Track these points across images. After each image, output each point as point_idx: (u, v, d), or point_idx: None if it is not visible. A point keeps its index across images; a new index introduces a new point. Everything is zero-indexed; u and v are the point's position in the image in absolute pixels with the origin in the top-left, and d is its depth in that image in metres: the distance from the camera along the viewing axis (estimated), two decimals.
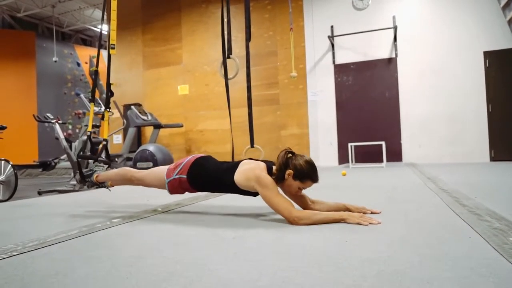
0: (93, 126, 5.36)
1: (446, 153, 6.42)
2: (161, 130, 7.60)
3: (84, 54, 13.03)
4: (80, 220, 1.91)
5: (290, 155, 1.74)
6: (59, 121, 5.46)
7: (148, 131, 8.30)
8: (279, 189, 1.74)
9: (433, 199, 2.24)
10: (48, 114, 5.47)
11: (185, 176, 1.89)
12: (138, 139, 7.96)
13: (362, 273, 0.96)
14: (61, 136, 5.24)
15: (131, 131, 6.88)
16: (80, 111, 11.83)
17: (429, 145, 6.53)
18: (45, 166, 6.39)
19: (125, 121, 7.60)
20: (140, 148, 6.21)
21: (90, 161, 2.88)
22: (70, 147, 5.48)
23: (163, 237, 1.51)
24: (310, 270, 1.00)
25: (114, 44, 2.95)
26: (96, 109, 5.65)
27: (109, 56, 3.00)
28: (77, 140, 5.91)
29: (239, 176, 1.77)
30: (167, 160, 5.97)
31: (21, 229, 1.78)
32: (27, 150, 10.49)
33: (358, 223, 1.54)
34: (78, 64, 12.75)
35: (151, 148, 6.12)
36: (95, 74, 3.11)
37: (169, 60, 8.53)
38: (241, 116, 5.52)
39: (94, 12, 11.90)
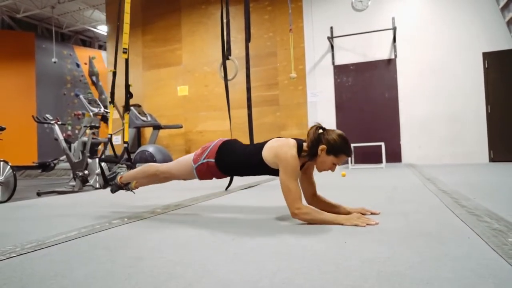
0: (92, 127, 5.37)
1: (445, 154, 6.43)
2: (161, 131, 7.60)
3: (84, 55, 13.04)
4: (79, 221, 1.91)
5: (321, 130, 1.70)
6: (58, 122, 5.46)
7: (148, 132, 8.29)
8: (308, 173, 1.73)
9: (432, 200, 2.24)
10: (48, 115, 5.47)
11: (213, 160, 1.85)
12: (138, 140, 7.95)
13: (362, 273, 0.96)
14: (61, 137, 5.24)
15: (131, 132, 6.88)
16: (80, 112, 11.84)
17: (429, 146, 6.53)
18: (44, 167, 6.39)
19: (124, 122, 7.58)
20: (140, 149, 6.21)
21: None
22: (70, 148, 5.48)
23: (162, 238, 1.50)
24: (310, 271, 1.00)
25: (126, 48, 2.92)
26: (95, 110, 5.65)
27: (126, 60, 2.97)
28: (77, 141, 5.91)
29: (267, 152, 1.73)
30: (167, 161, 5.96)
31: (20, 230, 1.78)
32: (26, 151, 10.48)
33: (355, 225, 1.54)
34: (78, 65, 12.75)
35: (150, 149, 6.11)
36: (113, 75, 3.04)
37: (169, 61, 8.53)
38: (241, 117, 5.52)
39: (93, 13, 11.90)
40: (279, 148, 1.69)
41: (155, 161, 5.87)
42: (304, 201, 1.70)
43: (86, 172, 4.88)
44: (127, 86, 2.97)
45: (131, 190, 2.28)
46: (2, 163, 3.84)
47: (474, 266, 0.99)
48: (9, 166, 3.84)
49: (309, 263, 1.07)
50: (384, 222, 1.60)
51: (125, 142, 2.92)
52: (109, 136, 2.96)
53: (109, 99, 2.97)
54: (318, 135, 1.68)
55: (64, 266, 1.13)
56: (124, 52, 2.89)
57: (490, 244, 1.18)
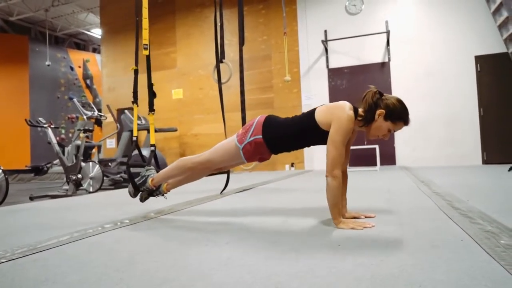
0: (86, 131, 5.33)
1: (439, 156, 6.48)
2: (156, 134, 7.57)
3: (78, 58, 12.98)
4: (71, 226, 1.89)
5: (379, 95, 1.64)
6: (51, 126, 5.42)
7: (142, 135, 8.26)
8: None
9: (425, 202, 2.25)
10: (41, 119, 5.43)
11: (260, 136, 1.74)
12: (131, 144, 7.91)
13: (356, 276, 0.96)
14: (54, 140, 5.19)
15: (125, 135, 6.84)
16: (73, 115, 11.77)
17: (423, 148, 6.57)
18: (38, 171, 6.33)
19: (118, 125, 7.55)
20: (134, 153, 6.17)
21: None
22: (63, 152, 5.44)
23: (156, 242, 1.49)
24: (304, 274, 1.00)
25: (147, 44, 2.80)
26: (89, 113, 5.62)
27: (148, 57, 2.85)
28: (70, 145, 5.86)
29: (322, 113, 1.65)
30: (161, 165, 5.94)
31: (11, 234, 1.75)
32: (19, 154, 10.38)
33: (352, 228, 1.54)
34: (72, 68, 12.68)
35: (145, 152, 6.08)
36: (135, 73, 2.88)
37: (164, 64, 8.52)
38: (236, 120, 5.52)
39: (87, 16, 11.87)
40: (336, 107, 1.62)
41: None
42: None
43: (79, 176, 4.84)
44: (150, 85, 2.84)
45: (162, 195, 2.15)
46: None
47: (467, 268, 0.99)
48: (1, 170, 3.80)
49: (302, 266, 1.07)
50: (378, 225, 1.60)
51: (151, 145, 2.78)
52: (134, 139, 2.77)
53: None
54: (377, 99, 1.62)
55: (56, 271, 1.11)
56: (145, 49, 2.78)
57: (483, 246, 1.19)
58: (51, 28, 12.28)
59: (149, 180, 2.10)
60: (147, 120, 7.31)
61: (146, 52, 2.76)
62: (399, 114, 1.61)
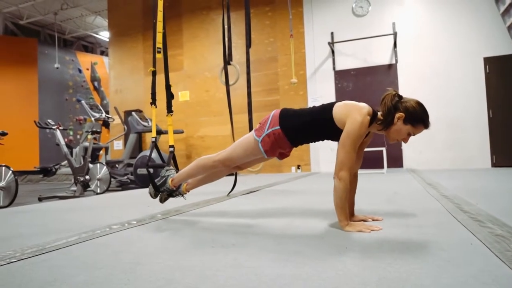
0: (94, 132, 5.38)
1: (447, 159, 6.41)
2: (162, 136, 7.61)
3: (86, 60, 13.11)
4: (79, 227, 1.90)
5: (398, 98, 1.60)
6: (60, 127, 5.47)
7: (149, 137, 8.31)
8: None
9: (434, 205, 2.23)
10: (49, 120, 5.48)
11: (278, 127, 1.73)
12: (139, 145, 7.96)
13: (363, 279, 0.96)
14: (62, 142, 5.24)
15: (132, 137, 6.89)
16: (81, 117, 11.90)
17: (430, 151, 6.51)
18: (46, 172, 6.40)
19: (125, 127, 7.61)
20: (141, 154, 6.21)
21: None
22: (71, 153, 5.49)
23: (161, 243, 1.50)
24: (310, 277, 1.00)
25: (160, 48, 2.82)
26: (97, 115, 5.67)
27: (165, 58, 2.87)
28: (78, 146, 5.92)
29: (340, 109, 1.62)
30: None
31: (20, 235, 1.77)
32: (28, 156, 10.50)
33: (359, 231, 1.53)
34: (80, 71, 12.81)
35: (154, 155, 6.11)
36: (153, 75, 2.90)
37: (170, 66, 8.46)
38: (242, 122, 5.53)
39: (95, 19, 11.99)
40: (354, 108, 1.59)
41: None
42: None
43: (87, 177, 4.88)
44: (168, 86, 2.86)
45: (182, 195, 2.15)
46: (3, 168, 3.84)
47: (476, 272, 0.98)
48: (10, 171, 3.84)
49: (309, 269, 1.07)
50: (385, 228, 1.59)
51: (170, 146, 2.80)
52: (153, 139, 2.79)
53: (150, 100, 2.81)
54: (396, 102, 1.59)
55: (63, 271, 1.12)
56: (158, 52, 2.79)
57: (493, 250, 1.17)
58: (60, 31, 12.43)
59: (169, 181, 2.09)
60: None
61: (159, 56, 2.77)
62: (419, 117, 1.57)
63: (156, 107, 2.79)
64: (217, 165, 1.92)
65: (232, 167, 2.01)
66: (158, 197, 2.21)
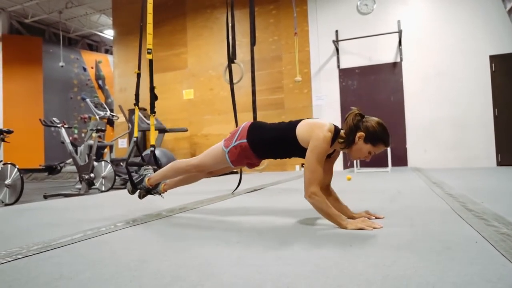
0: (99, 131, 5.41)
1: (452, 158, 6.38)
2: (166, 134, 7.63)
3: (90, 59, 13.16)
4: (84, 224, 1.92)
5: (359, 117, 1.64)
6: (65, 126, 5.50)
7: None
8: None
9: (439, 204, 2.22)
10: (54, 119, 5.52)
11: (245, 140, 1.80)
12: (144, 143, 8.00)
13: (367, 277, 0.95)
14: (67, 140, 5.27)
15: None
16: (86, 116, 11.94)
17: (435, 149, 6.48)
18: (51, 170, 6.43)
19: (130, 125, 7.64)
20: (145, 153, 6.23)
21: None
22: (76, 151, 5.51)
23: (167, 241, 1.50)
24: (314, 275, 1.00)
25: (150, 49, 2.91)
26: (101, 113, 5.69)
27: (150, 61, 2.96)
28: (83, 144, 5.94)
29: (303, 129, 1.68)
30: None
31: (26, 232, 1.79)
32: (33, 154, 10.57)
33: (361, 228, 1.53)
34: (84, 69, 12.87)
35: (156, 152, 6.13)
36: (137, 77, 3.01)
37: (174, 64, 8.58)
38: (246, 120, 5.53)
39: (100, 17, 12.03)
40: (316, 127, 1.63)
41: (160, 165, 5.88)
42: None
43: (92, 175, 4.91)
44: (152, 88, 2.96)
45: (160, 194, 2.22)
46: (9, 166, 3.87)
47: (481, 270, 0.98)
48: (16, 169, 3.87)
49: (313, 267, 1.07)
50: (390, 226, 1.59)
51: (151, 146, 2.87)
52: (135, 139, 2.88)
53: (133, 101, 2.93)
54: (357, 122, 1.62)
55: (69, 268, 1.13)
56: (149, 53, 2.88)
57: (498, 249, 1.17)
58: (65, 29, 12.48)
59: (146, 180, 2.18)
60: (159, 120, 7.38)
61: (150, 56, 2.87)
62: (378, 137, 1.61)
63: (139, 108, 2.91)
64: (191, 169, 2.00)
65: (206, 172, 2.09)
66: (137, 193, 2.29)
